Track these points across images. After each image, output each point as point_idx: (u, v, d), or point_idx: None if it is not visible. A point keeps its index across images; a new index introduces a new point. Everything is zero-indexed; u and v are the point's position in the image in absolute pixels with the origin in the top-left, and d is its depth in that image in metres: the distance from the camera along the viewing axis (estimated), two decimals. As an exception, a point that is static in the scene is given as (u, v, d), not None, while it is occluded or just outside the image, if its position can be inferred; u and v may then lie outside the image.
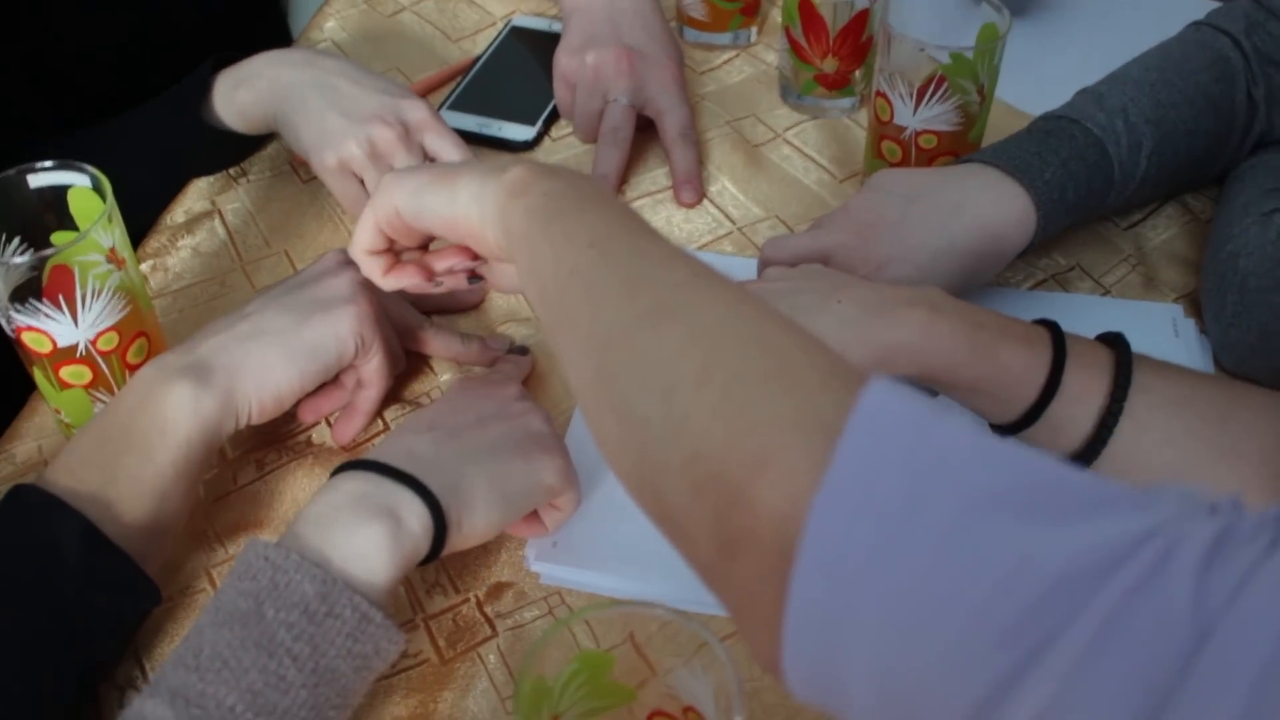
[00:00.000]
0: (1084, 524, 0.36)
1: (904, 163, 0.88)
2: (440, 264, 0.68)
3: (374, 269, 0.68)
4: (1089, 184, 0.82)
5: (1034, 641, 0.34)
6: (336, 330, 0.72)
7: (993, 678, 0.34)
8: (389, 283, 0.69)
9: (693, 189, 0.96)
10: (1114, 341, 0.67)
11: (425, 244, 0.70)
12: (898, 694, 0.37)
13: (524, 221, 0.56)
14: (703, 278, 0.49)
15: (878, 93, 0.87)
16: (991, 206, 0.80)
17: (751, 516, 0.41)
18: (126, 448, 0.66)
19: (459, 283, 0.69)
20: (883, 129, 0.88)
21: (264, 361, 0.70)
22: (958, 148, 0.87)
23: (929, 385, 0.69)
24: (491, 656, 0.68)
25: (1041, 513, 0.36)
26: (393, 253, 0.69)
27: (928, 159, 0.87)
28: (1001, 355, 0.66)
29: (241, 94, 0.91)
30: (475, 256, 0.67)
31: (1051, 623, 0.34)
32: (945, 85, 0.83)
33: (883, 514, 0.37)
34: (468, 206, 0.60)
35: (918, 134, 0.86)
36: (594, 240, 0.53)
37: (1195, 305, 0.86)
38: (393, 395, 0.81)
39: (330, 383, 0.77)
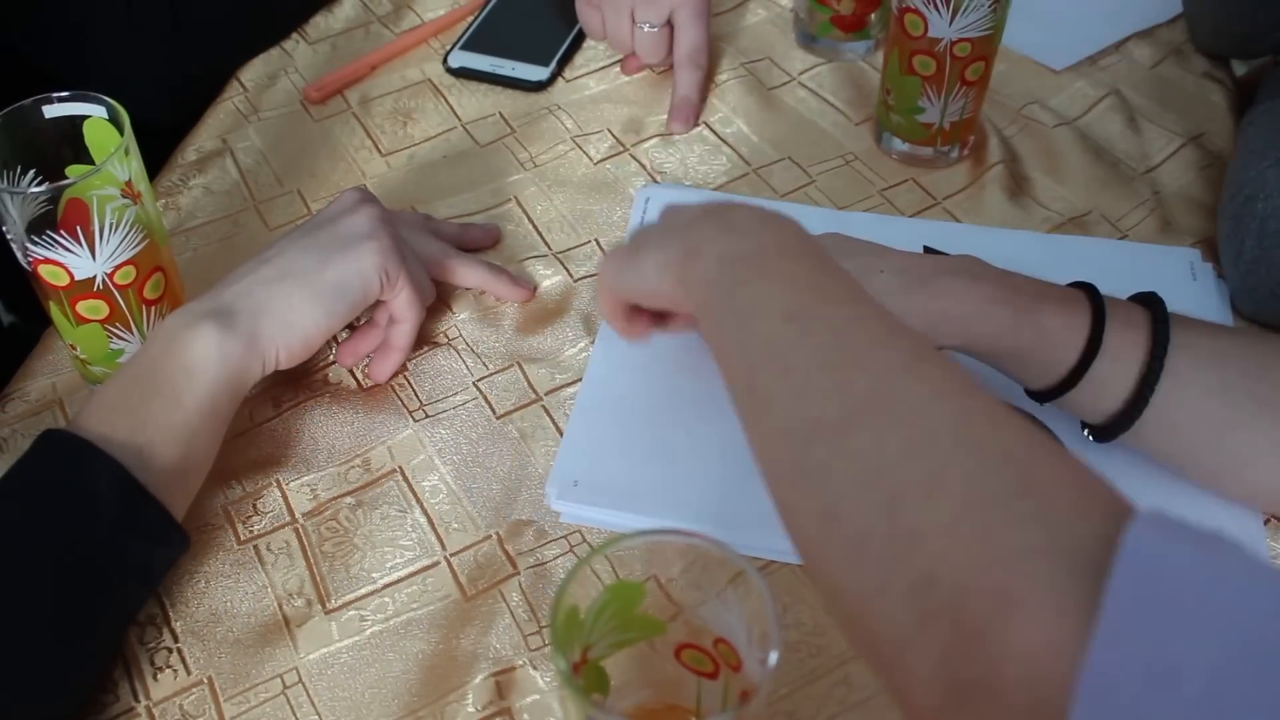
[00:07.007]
0: None
1: (938, 75, 0.88)
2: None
3: (632, 331, 0.69)
4: None
5: None
6: (360, 267, 0.72)
7: None
8: (643, 338, 0.70)
9: (683, 119, 0.95)
10: (1147, 301, 0.67)
11: None
12: None
13: (703, 292, 0.55)
14: (919, 361, 0.46)
15: (906, 9, 0.86)
16: None
17: (995, 661, 0.36)
18: (154, 393, 0.65)
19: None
20: (915, 44, 0.87)
21: (289, 304, 0.69)
22: (987, 53, 0.87)
23: (972, 355, 0.68)
24: (514, 595, 0.68)
25: None
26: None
27: (961, 67, 0.87)
28: (1042, 316, 0.66)
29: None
30: None
31: None
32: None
33: (1178, 684, 0.32)
34: (659, 280, 0.60)
35: (953, 44, 0.86)
36: (788, 312, 0.50)
37: (1213, 250, 0.85)
38: (411, 335, 0.80)
39: (364, 322, 0.76)
